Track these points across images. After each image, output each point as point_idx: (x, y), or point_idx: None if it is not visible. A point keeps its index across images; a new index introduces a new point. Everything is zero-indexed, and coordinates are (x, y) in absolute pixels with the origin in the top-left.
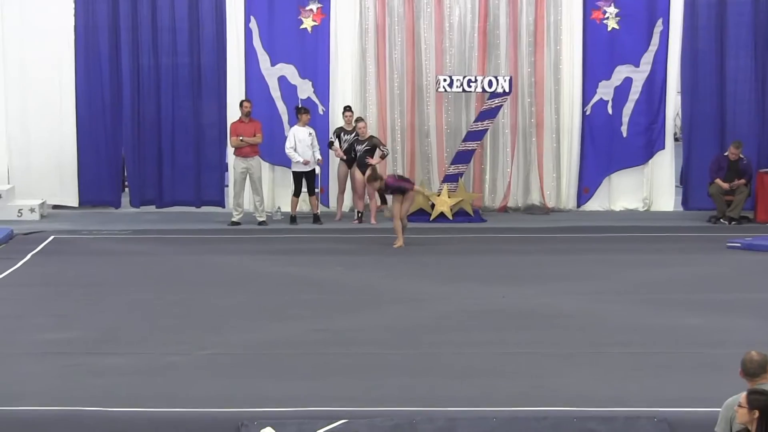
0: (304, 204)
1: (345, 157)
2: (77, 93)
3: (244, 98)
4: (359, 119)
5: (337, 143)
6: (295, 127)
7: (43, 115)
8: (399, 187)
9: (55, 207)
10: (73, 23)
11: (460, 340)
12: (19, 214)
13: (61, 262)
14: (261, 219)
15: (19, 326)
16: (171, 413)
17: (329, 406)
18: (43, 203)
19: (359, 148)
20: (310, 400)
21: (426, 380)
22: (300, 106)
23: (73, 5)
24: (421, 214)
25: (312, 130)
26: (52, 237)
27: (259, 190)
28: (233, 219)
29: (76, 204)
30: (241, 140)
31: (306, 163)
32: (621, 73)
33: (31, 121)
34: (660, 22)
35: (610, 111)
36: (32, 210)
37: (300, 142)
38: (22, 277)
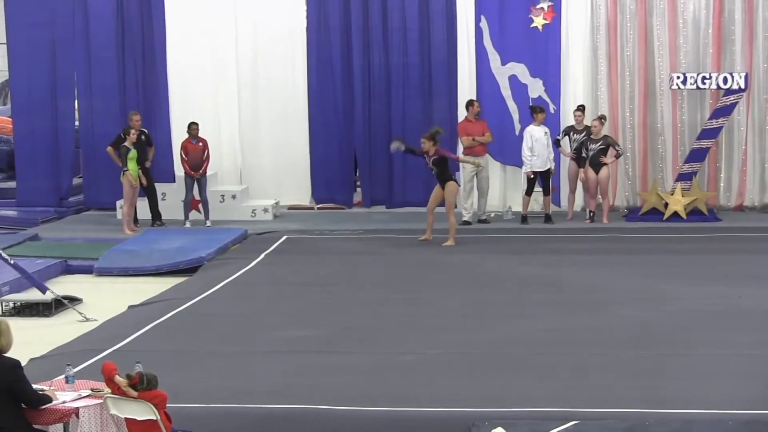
0: (535, 204)
1: (575, 156)
2: (309, 93)
3: (474, 98)
4: (602, 117)
5: (565, 141)
6: (531, 127)
7: (275, 115)
8: (442, 159)
9: (291, 208)
10: (305, 24)
11: (694, 341)
12: (253, 215)
13: (293, 262)
14: (482, 218)
15: (253, 324)
16: (402, 412)
17: (560, 406)
18: (276, 203)
19: (592, 147)
20: (540, 400)
21: (659, 381)
22: (534, 105)
23: (305, 6)
24: (654, 214)
25: (547, 129)
26: (284, 237)
27: (485, 189)
28: (464, 218)
29: (308, 204)
30: (473, 140)
31: (532, 175)
32: None
33: (263, 121)
34: None
35: None
36: (265, 210)
37: (536, 141)
38: (256, 276)
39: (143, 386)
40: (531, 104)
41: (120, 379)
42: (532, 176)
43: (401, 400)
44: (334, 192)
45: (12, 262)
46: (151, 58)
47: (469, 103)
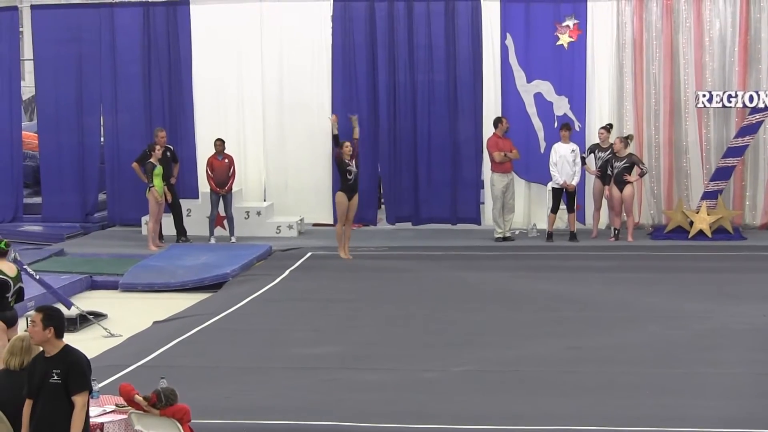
0: (560, 221)
1: (599, 174)
2: (334, 110)
3: (501, 116)
4: (629, 137)
5: (591, 159)
6: (558, 143)
7: (300, 132)
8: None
9: (315, 225)
10: (331, 42)
11: (719, 359)
12: (278, 231)
13: (318, 278)
14: (506, 235)
15: (278, 340)
16: (425, 429)
17: (584, 425)
18: (301, 220)
19: (617, 165)
20: (564, 418)
21: (684, 399)
22: (562, 123)
23: (330, 24)
24: (679, 232)
25: (575, 147)
26: (309, 253)
27: (512, 206)
28: (497, 235)
29: (331, 221)
30: (505, 156)
31: (564, 186)
32: None
33: (288, 138)
34: None
35: None
36: (290, 227)
37: (561, 157)
38: (281, 293)
39: (162, 404)
40: (563, 122)
41: (140, 399)
42: (565, 186)
43: (424, 417)
44: (358, 209)
45: (37, 277)
46: (177, 75)
47: (498, 120)
